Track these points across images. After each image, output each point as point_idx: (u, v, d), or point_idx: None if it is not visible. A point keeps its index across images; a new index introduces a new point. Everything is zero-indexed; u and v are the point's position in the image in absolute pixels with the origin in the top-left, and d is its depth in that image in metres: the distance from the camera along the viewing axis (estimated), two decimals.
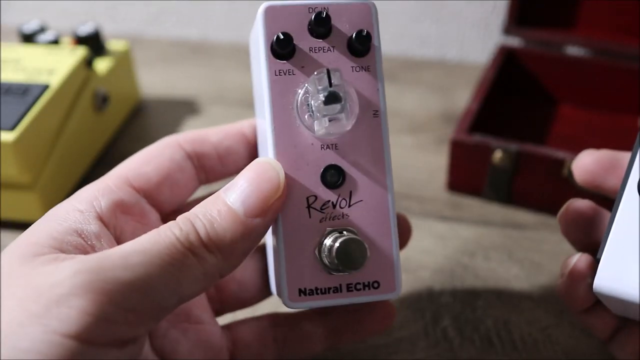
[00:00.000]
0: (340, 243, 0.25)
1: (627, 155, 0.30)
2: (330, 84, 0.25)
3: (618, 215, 0.27)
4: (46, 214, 0.25)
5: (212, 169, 0.30)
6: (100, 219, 0.26)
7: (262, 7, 0.26)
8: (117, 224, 0.26)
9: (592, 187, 0.31)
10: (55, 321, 0.20)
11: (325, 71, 0.26)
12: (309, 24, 0.27)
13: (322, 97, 0.25)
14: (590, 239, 0.30)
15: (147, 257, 0.22)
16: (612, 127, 0.51)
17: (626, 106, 0.51)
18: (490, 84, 0.49)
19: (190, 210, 0.24)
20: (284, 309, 0.28)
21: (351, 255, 0.25)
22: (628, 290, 0.26)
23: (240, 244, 0.24)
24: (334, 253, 0.25)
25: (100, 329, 0.21)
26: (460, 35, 0.62)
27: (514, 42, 0.55)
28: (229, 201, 0.24)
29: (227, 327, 0.30)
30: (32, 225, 0.25)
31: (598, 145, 0.32)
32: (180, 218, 0.24)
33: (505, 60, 0.53)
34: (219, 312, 0.31)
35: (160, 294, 0.22)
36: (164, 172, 0.28)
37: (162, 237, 0.23)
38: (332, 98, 0.25)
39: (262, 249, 0.32)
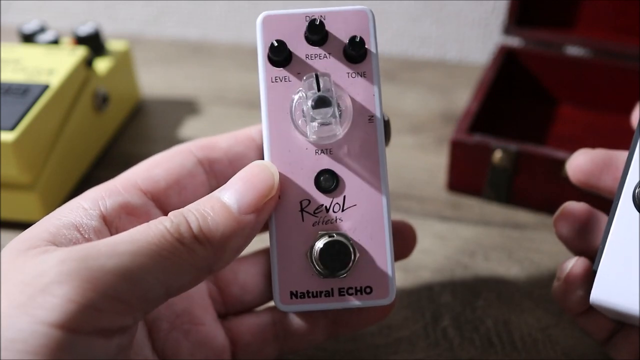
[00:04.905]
0: (324, 245, 0.26)
1: (622, 155, 0.30)
2: (319, 89, 0.26)
3: (614, 226, 0.27)
4: (53, 211, 0.26)
5: (223, 174, 0.30)
6: (104, 217, 0.26)
7: (261, 16, 0.27)
8: (120, 225, 0.26)
9: (587, 187, 0.31)
10: (40, 310, 0.20)
11: (314, 76, 0.26)
12: (305, 32, 0.27)
13: (311, 101, 0.26)
14: (586, 242, 0.30)
15: (135, 246, 0.22)
16: (612, 127, 0.51)
17: (626, 106, 0.51)
18: (490, 84, 0.49)
19: (184, 207, 0.25)
20: None
21: (333, 256, 0.26)
22: (625, 302, 0.26)
23: (231, 239, 0.24)
24: (317, 254, 0.26)
25: (85, 317, 0.21)
26: (460, 35, 0.62)
27: (514, 42, 0.55)
28: (223, 198, 0.25)
29: (227, 326, 0.30)
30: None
31: (598, 146, 0.32)
32: (172, 213, 0.24)
33: (505, 60, 0.53)
34: (222, 315, 0.31)
35: (147, 284, 0.22)
36: (173, 177, 0.29)
37: (152, 228, 0.23)
38: (320, 102, 0.25)
39: (266, 253, 0.32)
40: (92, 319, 0.21)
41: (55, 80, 0.43)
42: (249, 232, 0.25)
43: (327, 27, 0.27)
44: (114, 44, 0.52)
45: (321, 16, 0.27)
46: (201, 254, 0.23)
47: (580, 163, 0.30)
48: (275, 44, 0.27)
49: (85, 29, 0.50)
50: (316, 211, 0.27)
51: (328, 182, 0.27)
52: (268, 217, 0.26)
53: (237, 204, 0.24)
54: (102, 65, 0.49)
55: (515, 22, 0.53)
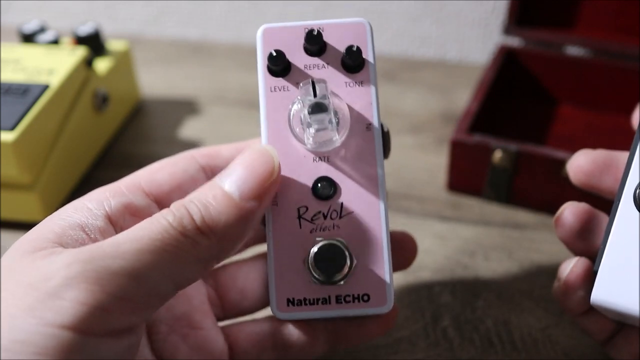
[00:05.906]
0: (319, 248, 0.26)
1: (622, 155, 0.30)
2: (315, 94, 0.26)
3: (614, 226, 0.27)
4: (57, 211, 0.26)
5: None
6: (109, 217, 0.26)
7: (261, 28, 0.28)
8: (125, 225, 0.26)
9: (588, 188, 0.31)
10: (49, 313, 0.20)
11: (310, 82, 0.26)
12: (304, 43, 0.28)
13: (307, 107, 0.26)
14: (586, 242, 0.30)
15: (139, 244, 0.22)
16: (612, 127, 0.51)
17: (626, 106, 0.51)
18: (490, 84, 0.49)
19: (185, 197, 0.25)
20: None
21: (328, 259, 0.26)
22: (626, 302, 0.26)
23: (235, 227, 0.24)
24: (312, 258, 0.26)
25: (95, 318, 0.21)
26: (460, 35, 0.62)
27: (514, 42, 0.55)
28: (224, 186, 0.24)
29: (226, 331, 0.30)
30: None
31: (598, 146, 0.32)
32: (174, 205, 0.24)
33: (505, 60, 0.53)
34: (220, 319, 0.31)
35: (154, 281, 0.22)
36: (176, 181, 0.29)
37: (154, 224, 0.23)
38: (316, 108, 0.26)
39: (264, 257, 0.32)
40: (103, 320, 0.21)
41: (55, 80, 0.43)
42: (252, 219, 0.25)
43: (325, 38, 0.28)
44: (114, 44, 0.52)
45: (319, 27, 0.28)
46: (205, 245, 0.23)
47: (581, 164, 0.30)
48: (274, 54, 0.27)
49: (85, 29, 0.50)
50: (314, 218, 0.27)
51: (326, 189, 0.27)
52: (270, 202, 0.26)
53: (239, 190, 0.24)
54: (102, 65, 0.49)
55: (515, 22, 0.53)
